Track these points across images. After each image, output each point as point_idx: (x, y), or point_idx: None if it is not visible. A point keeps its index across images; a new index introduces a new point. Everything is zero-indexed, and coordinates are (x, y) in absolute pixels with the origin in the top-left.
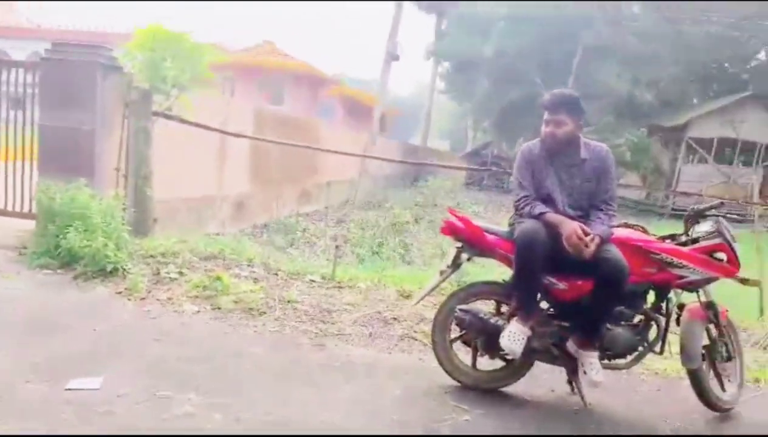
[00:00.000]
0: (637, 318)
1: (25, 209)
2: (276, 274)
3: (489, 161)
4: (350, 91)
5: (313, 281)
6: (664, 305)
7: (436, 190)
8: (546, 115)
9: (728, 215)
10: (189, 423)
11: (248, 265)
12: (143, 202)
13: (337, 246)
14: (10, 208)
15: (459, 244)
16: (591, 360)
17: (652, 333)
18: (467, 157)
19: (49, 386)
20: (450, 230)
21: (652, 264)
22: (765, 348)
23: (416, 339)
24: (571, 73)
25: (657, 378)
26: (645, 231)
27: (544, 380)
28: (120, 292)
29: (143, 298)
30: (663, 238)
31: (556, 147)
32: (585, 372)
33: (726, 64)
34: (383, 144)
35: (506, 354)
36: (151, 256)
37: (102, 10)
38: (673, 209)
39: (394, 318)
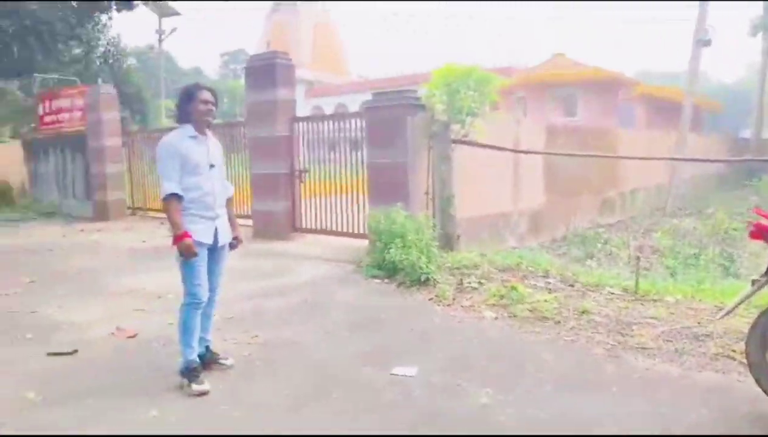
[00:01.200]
0: None
1: (360, 231)
2: (572, 286)
3: None
4: (653, 90)
5: (612, 293)
6: None
7: None
8: None
9: None
10: (483, 413)
11: (543, 277)
12: (447, 221)
13: (638, 257)
14: (349, 230)
15: None
16: None
17: None
18: None
19: (377, 370)
20: (760, 234)
21: None
22: None
23: (734, 359)
24: None
25: None
26: None
27: None
28: (431, 299)
29: (449, 305)
30: None
31: None
32: None
33: None
34: (699, 142)
35: None
36: (456, 268)
37: (408, 57)
38: None
39: (707, 335)
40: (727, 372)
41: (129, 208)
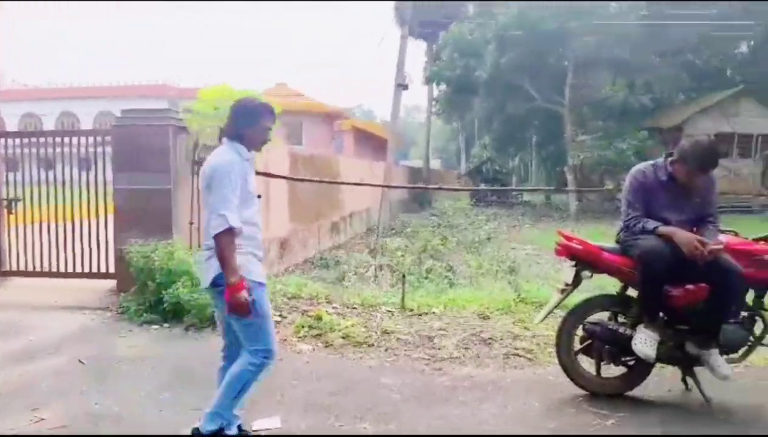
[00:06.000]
0: (741, 315)
1: (102, 270)
2: (355, 308)
3: (490, 177)
4: (359, 123)
5: (389, 311)
6: (766, 301)
7: (448, 211)
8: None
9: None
10: None
11: (328, 303)
12: None
13: (404, 276)
14: (85, 270)
15: (573, 263)
16: (715, 357)
17: (757, 327)
18: (469, 176)
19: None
20: (566, 251)
21: (753, 265)
22: None
23: (520, 356)
24: (566, 85)
25: (751, 369)
26: (737, 234)
27: (655, 382)
28: None
29: None
30: (756, 240)
31: None
32: (713, 369)
33: (711, 61)
34: (394, 170)
35: (628, 361)
36: None
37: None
38: None
39: (491, 339)
40: (521, 367)
41: None
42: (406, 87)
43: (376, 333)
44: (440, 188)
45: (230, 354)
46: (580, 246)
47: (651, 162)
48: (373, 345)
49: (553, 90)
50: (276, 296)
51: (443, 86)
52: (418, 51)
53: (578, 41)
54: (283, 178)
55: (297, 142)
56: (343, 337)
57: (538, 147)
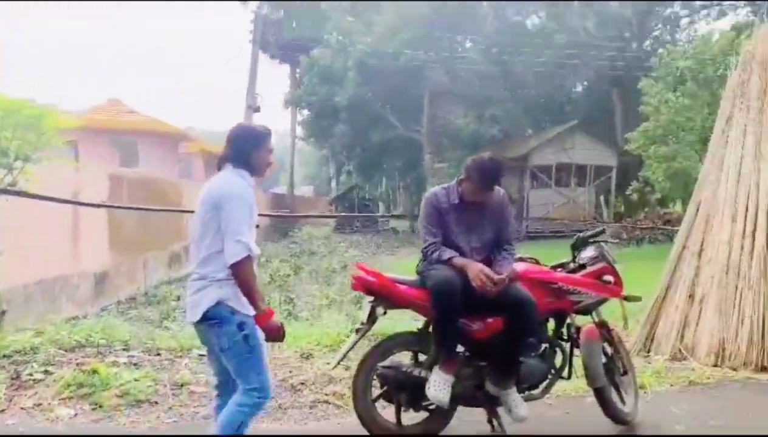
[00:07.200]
0: (542, 348)
1: None
2: (159, 354)
3: (356, 204)
4: (209, 146)
5: (202, 355)
6: (564, 331)
7: (309, 238)
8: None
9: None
10: None
11: (124, 349)
12: None
13: None
14: None
15: (371, 298)
16: (513, 397)
17: (557, 360)
18: (335, 202)
19: None
20: (361, 285)
21: (550, 294)
22: (638, 354)
23: (329, 403)
24: (423, 115)
25: (560, 400)
26: (538, 262)
27: (463, 424)
28: None
29: (3, 410)
30: (554, 267)
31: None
32: (510, 410)
33: (553, 97)
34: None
35: (429, 406)
36: (5, 357)
37: None
38: (527, 232)
39: (302, 384)
40: (327, 417)
41: None
42: (257, 109)
43: (166, 386)
44: (281, 215)
45: (225, 391)
46: (374, 280)
47: (444, 185)
48: (157, 402)
49: (412, 119)
50: (54, 346)
51: (307, 111)
52: (283, 75)
53: (433, 73)
54: (93, 205)
55: (133, 163)
56: (119, 396)
57: (402, 173)
